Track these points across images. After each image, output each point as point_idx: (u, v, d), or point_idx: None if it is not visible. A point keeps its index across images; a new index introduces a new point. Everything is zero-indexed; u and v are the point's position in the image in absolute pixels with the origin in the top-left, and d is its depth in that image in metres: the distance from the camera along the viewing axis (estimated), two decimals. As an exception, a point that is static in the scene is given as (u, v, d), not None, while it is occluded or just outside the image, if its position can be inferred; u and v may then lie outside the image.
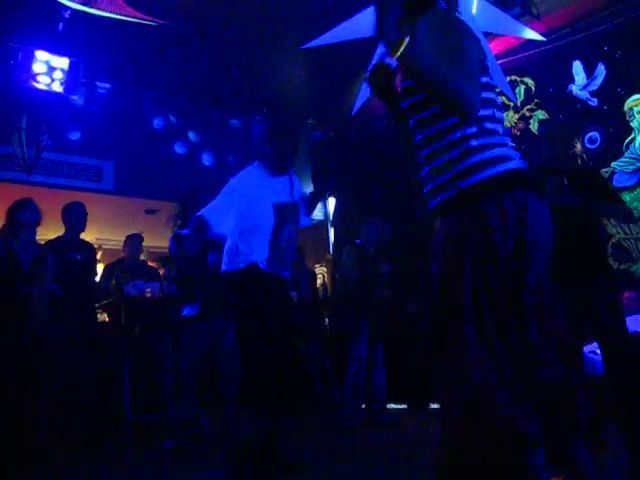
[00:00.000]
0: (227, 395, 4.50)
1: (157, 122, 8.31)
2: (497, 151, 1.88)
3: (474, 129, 1.87)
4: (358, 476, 3.64)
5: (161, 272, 6.15)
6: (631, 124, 6.13)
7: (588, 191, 3.58)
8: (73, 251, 5.17)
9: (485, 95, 1.89)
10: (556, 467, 1.84)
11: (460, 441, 1.76)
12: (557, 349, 1.82)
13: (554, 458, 1.80)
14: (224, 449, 3.99)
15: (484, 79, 1.91)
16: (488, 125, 1.90)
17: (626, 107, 6.17)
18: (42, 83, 6.96)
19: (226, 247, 3.73)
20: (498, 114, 1.95)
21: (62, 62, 7.01)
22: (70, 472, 4.02)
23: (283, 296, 3.79)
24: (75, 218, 5.27)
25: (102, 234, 7.99)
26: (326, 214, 9.51)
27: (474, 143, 1.87)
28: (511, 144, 1.95)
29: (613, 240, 6.13)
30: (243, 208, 3.67)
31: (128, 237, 6.29)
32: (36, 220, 4.71)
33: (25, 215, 4.64)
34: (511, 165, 1.87)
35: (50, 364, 4.59)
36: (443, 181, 1.92)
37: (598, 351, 3.76)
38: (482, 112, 1.87)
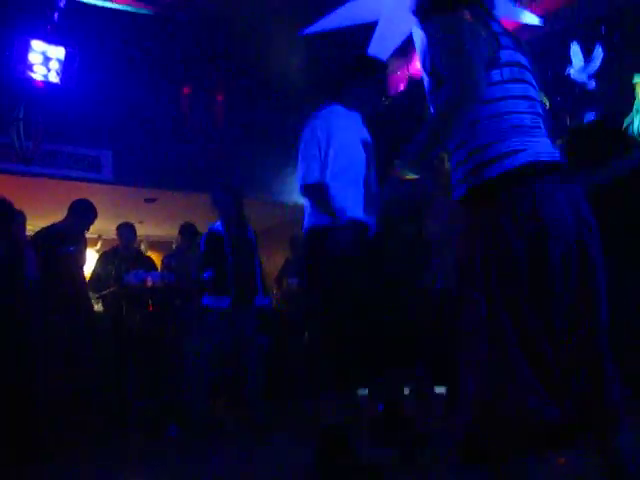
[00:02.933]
0: (251, 385, 4.71)
1: (155, 111, 8.27)
2: (506, 146, 1.88)
3: (489, 124, 1.90)
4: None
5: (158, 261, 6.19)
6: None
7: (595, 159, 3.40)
8: (67, 243, 5.13)
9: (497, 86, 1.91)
10: (592, 451, 1.85)
11: (475, 426, 1.80)
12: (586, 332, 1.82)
13: (589, 441, 1.82)
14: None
15: (495, 72, 1.91)
16: (505, 119, 1.91)
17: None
18: (38, 73, 6.93)
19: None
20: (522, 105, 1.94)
21: (58, 52, 6.97)
22: (77, 462, 4.02)
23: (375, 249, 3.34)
24: (84, 217, 5.27)
25: (102, 224, 7.96)
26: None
27: (484, 140, 1.90)
28: (532, 133, 1.93)
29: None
30: (335, 152, 3.20)
31: (120, 226, 6.22)
32: None
33: None
34: (519, 160, 1.86)
35: (46, 355, 4.57)
36: (459, 176, 1.97)
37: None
38: (497, 107, 1.90)
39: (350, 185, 3.16)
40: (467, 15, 1.94)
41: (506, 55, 1.94)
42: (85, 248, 5.52)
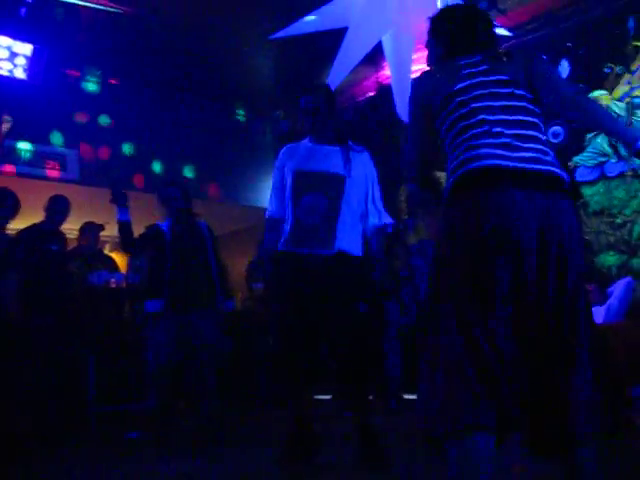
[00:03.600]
0: (202, 387, 4.51)
1: (122, 110, 8.19)
2: (468, 154, 1.99)
3: (465, 135, 2.04)
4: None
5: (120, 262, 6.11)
6: (593, 119, 6.23)
7: None
8: (49, 242, 5.04)
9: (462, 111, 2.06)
10: (548, 459, 1.89)
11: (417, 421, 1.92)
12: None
13: (549, 448, 1.86)
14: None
15: (457, 99, 2.07)
16: (470, 132, 2.02)
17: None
18: (4, 69, 6.83)
19: None
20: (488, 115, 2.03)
21: (25, 48, 6.88)
22: (34, 464, 3.95)
23: (318, 276, 3.28)
24: (59, 212, 5.14)
25: (65, 224, 7.88)
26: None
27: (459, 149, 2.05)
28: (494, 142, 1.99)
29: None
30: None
31: (87, 225, 6.07)
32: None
33: None
34: (477, 164, 1.94)
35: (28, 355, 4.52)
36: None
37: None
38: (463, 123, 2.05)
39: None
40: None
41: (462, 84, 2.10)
42: (66, 246, 5.42)
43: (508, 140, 1.95)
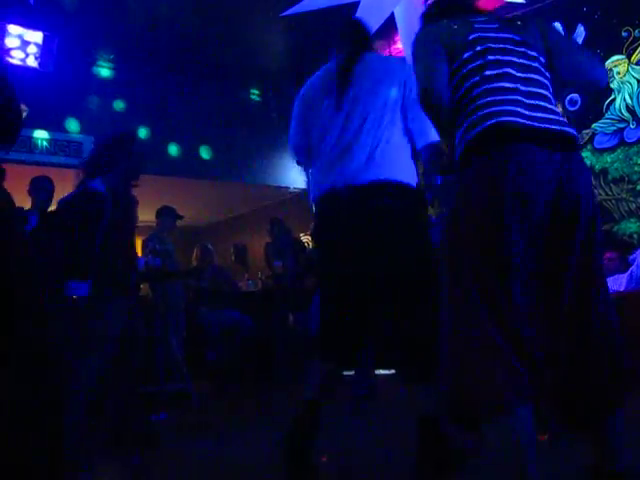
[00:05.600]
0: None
1: (135, 95, 8.19)
2: (482, 112, 1.94)
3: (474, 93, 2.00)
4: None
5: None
6: (611, 85, 6.14)
7: None
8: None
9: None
10: (579, 433, 1.88)
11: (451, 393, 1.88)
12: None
13: (579, 423, 1.85)
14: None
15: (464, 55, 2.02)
16: (484, 86, 1.98)
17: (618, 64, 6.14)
18: (16, 58, 6.85)
19: None
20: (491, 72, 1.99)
21: (36, 36, 6.89)
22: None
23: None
24: (39, 194, 5.00)
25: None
26: (309, 183, 9.50)
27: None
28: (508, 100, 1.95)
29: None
30: None
31: None
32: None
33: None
34: (494, 121, 1.90)
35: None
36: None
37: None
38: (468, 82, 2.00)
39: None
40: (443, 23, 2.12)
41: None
42: None
43: (523, 98, 1.92)
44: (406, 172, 2.61)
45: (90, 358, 3.39)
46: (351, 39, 2.86)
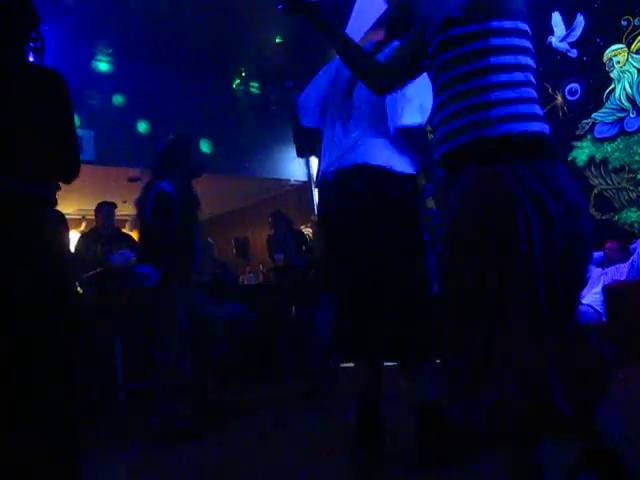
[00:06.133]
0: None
1: (136, 89, 8.17)
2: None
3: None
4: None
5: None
6: (611, 74, 6.13)
7: None
8: None
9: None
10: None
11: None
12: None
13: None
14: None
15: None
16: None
17: (605, 57, 6.16)
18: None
19: None
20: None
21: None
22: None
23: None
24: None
25: (85, 205, 7.94)
26: (309, 175, 9.49)
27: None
28: None
29: (595, 191, 6.18)
30: None
31: (99, 206, 6.06)
32: None
33: None
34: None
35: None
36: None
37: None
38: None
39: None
40: None
41: None
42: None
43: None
44: (391, 158, 2.59)
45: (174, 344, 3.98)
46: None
